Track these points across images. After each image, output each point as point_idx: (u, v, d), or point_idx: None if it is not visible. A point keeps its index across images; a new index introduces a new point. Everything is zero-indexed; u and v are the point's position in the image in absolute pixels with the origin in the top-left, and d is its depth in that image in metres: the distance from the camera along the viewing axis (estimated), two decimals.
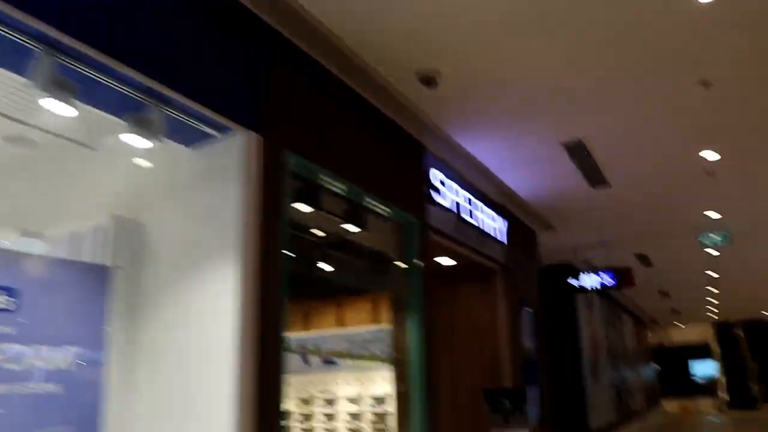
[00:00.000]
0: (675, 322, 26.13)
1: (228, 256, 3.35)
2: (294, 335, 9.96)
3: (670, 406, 26.29)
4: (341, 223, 4.96)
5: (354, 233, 5.66)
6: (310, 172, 4.22)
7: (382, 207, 5.03)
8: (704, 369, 32.48)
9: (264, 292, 3.40)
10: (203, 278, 3.44)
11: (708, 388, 30.18)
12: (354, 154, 4.64)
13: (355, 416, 9.57)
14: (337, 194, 4.65)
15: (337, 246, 6.43)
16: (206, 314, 3.37)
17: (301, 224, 5.39)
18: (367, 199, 4.86)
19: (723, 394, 28.48)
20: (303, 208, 4.46)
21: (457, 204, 6.18)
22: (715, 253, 10.96)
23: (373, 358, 8.29)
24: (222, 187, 3.51)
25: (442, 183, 5.90)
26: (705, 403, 27.40)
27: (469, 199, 6.47)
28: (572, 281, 10.13)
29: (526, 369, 7.64)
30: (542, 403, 7.96)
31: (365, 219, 5.06)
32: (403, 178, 5.33)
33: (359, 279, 8.52)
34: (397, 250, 5.44)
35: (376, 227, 5.46)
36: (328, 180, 4.40)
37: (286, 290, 3.65)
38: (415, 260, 5.32)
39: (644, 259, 11.32)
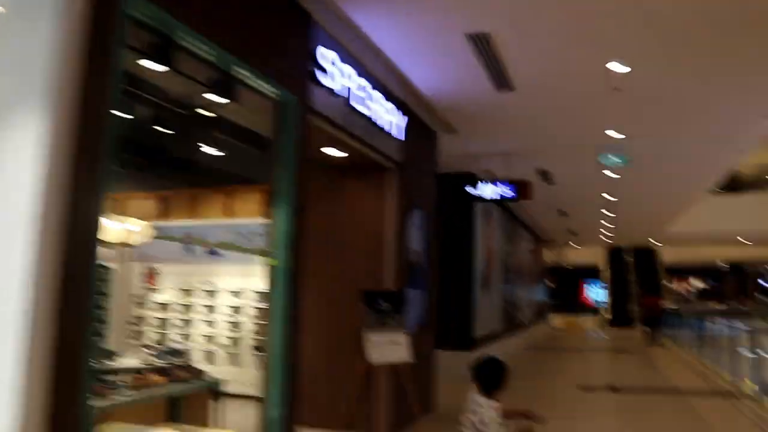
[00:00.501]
0: (571, 243, 27.13)
1: (36, 107, 2.74)
2: (177, 223, 9.42)
3: (558, 321, 27.77)
4: (206, 93, 4.37)
5: (223, 107, 5.11)
6: (163, 24, 3.57)
7: (257, 80, 4.44)
8: (593, 289, 34.39)
9: (81, 155, 2.83)
10: (6, 136, 2.82)
11: (594, 307, 32.07)
12: (222, 14, 3.99)
13: (236, 309, 9.29)
14: (202, 58, 4.02)
15: (203, 121, 5.82)
16: (6, 182, 2.78)
17: (154, 87, 4.75)
18: (239, 70, 4.25)
19: (606, 313, 30.33)
20: (155, 66, 3.83)
21: (348, 89, 5.65)
22: (614, 175, 11.03)
23: (257, 251, 7.90)
24: (36, 27, 2.84)
25: (333, 63, 5.34)
26: (590, 320, 29.15)
27: (364, 87, 5.95)
28: (471, 190, 9.95)
29: (412, 273, 7.45)
30: (427, 309, 7.86)
31: (236, 92, 4.48)
32: (283, 51, 4.73)
33: (229, 161, 7.93)
34: (273, 133, 4.90)
35: (250, 104, 4.90)
36: (190, 39, 3.76)
37: (113, 155, 3.08)
38: (289, 145, 4.82)
39: (545, 175, 11.28)
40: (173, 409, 5.42)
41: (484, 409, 3.55)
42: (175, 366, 5.39)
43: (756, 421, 8.04)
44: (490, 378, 3.66)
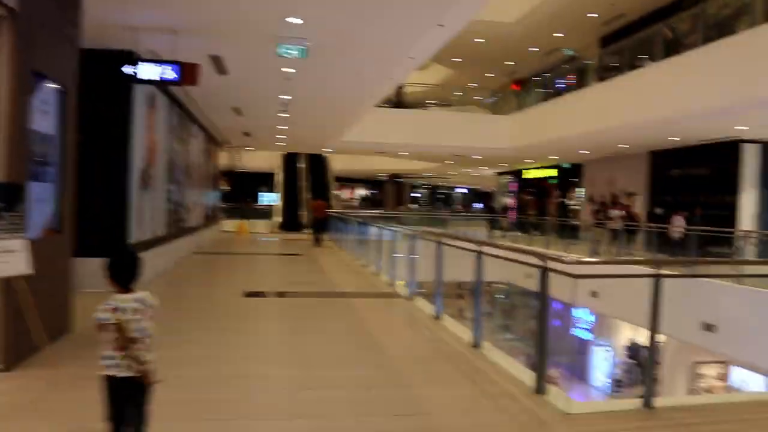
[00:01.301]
0: (247, 146, 26.52)
1: None
2: None
3: (231, 225, 27.25)
4: None
5: None
6: None
7: None
8: (268, 194, 34.76)
9: None
10: None
11: (268, 212, 32.41)
12: None
13: None
14: None
15: None
16: None
17: None
18: None
19: (278, 218, 30.86)
20: None
21: None
22: (289, 69, 10.38)
23: None
24: None
25: None
26: (262, 224, 29.32)
27: None
28: (129, 69, 8.39)
29: (38, 163, 5.84)
30: (60, 209, 6.32)
31: None
32: None
33: None
34: None
35: None
36: None
37: None
38: None
39: (218, 62, 10.08)
40: None
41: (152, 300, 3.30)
42: None
43: (404, 315, 8.49)
44: (131, 270, 3.29)
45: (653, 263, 4.69)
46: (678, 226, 14.89)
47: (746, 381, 15.28)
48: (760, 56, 12.32)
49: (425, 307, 8.59)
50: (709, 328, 11.34)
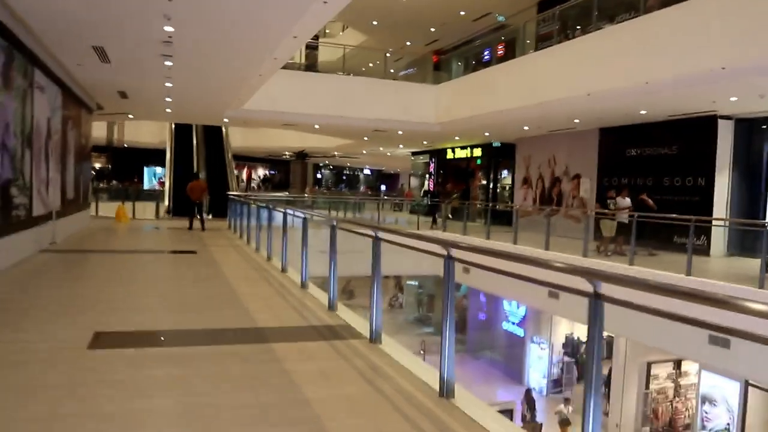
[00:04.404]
0: (128, 114, 21.85)
1: None
2: None
3: (108, 209, 22.54)
4: None
5: None
6: None
7: None
8: (158, 173, 30.36)
9: None
10: None
11: (159, 194, 27.92)
12: None
13: None
14: None
15: None
16: None
17: None
18: None
19: (168, 201, 26.33)
20: None
21: None
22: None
23: None
24: None
25: None
26: (150, 209, 24.71)
27: None
28: None
29: None
30: None
31: None
32: None
33: None
34: None
35: None
36: None
37: None
38: None
39: None
40: None
41: None
42: None
43: (383, 385, 4.58)
44: None
45: None
46: None
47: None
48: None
49: (409, 363, 5.06)
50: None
